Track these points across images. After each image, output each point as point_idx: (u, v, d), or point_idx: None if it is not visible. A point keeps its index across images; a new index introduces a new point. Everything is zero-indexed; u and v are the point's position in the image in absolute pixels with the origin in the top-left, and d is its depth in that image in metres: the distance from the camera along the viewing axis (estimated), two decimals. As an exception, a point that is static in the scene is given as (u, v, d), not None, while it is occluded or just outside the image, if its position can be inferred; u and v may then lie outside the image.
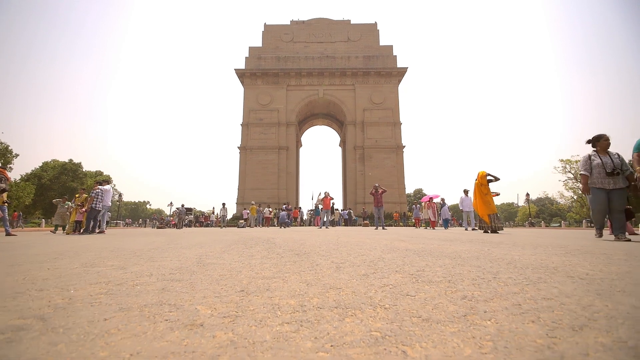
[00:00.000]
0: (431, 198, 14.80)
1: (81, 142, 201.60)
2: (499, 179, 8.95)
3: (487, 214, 8.41)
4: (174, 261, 1.76)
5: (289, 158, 44.54)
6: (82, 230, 10.70)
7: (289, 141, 44.65)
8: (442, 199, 15.71)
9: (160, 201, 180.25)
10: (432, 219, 14.10)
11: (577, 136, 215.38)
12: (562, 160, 47.13)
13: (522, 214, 69.54)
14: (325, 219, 15.68)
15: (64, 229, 11.58)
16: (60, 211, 12.66)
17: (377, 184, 13.94)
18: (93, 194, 10.80)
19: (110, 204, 11.84)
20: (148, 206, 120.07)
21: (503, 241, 3.05)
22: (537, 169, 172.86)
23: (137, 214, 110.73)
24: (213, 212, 22.48)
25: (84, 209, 11.09)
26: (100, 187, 11.33)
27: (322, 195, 18.82)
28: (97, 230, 10.93)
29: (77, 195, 12.33)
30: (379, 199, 13.38)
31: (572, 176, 46.49)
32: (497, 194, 9.86)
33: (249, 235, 5.19)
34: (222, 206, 22.92)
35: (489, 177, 8.82)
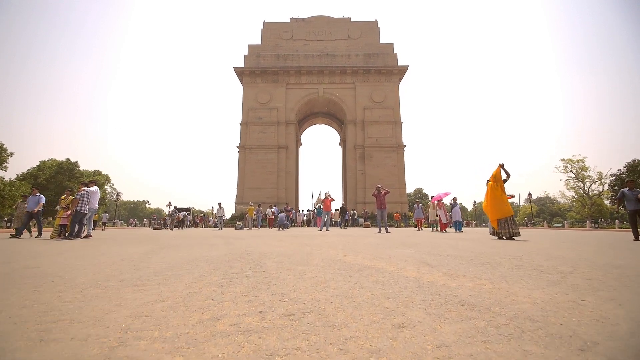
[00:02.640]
0: (441, 198, 13.81)
1: (81, 142, 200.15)
2: (510, 176, 7.98)
3: (498, 218, 7.57)
4: (73, 343, 1.00)
5: (288, 157, 43.74)
6: (67, 235, 9.96)
7: (288, 140, 43.86)
8: (454, 199, 14.72)
9: (160, 200, 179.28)
10: (443, 221, 13.24)
11: (578, 136, 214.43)
12: (563, 160, 46.35)
13: (523, 214, 68.82)
14: (325, 219, 14.93)
15: (17, 232, 10.44)
16: (20, 212, 11.34)
17: (379, 185, 13.16)
18: (78, 196, 10.01)
19: (97, 206, 11.01)
20: (147, 205, 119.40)
21: (564, 272, 2.25)
22: (537, 168, 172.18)
23: (136, 214, 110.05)
24: (213, 211, 21.38)
25: (69, 212, 10.31)
26: (86, 188, 10.51)
27: (323, 196, 18.07)
28: (82, 235, 10.19)
29: (62, 197, 11.55)
30: (381, 200, 12.58)
31: (573, 176, 45.74)
32: (512, 196, 9.04)
33: (240, 249, 4.40)
34: (218, 206, 21.88)
35: (504, 177, 7.87)
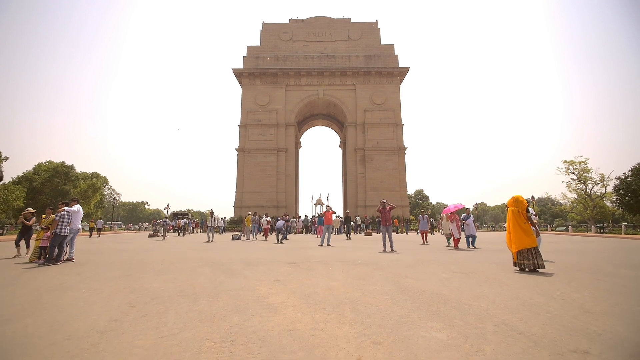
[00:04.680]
0: (452, 210, 12.67)
1: (80, 143, 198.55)
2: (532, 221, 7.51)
3: (520, 249, 6.85)
4: None
5: (288, 160, 42.91)
6: (46, 258, 9.12)
7: (288, 142, 43.03)
8: (468, 210, 13.62)
9: (159, 201, 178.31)
10: (456, 237, 12.26)
11: (579, 137, 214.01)
12: (565, 162, 45.48)
13: (526, 216, 67.91)
14: (327, 234, 14.05)
15: None
16: None
17: (384, 200, 12.20)
18: (58, 217, 9.13)
19: (80, 226, 10.12)
20: (146, 206, 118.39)
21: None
22: (539, 169, 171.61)
23: (135, 214, 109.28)
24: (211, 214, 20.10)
25: (48, 233, 9.47)
26: (66, 208, 9.64)
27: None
28: (63, 258, 9.34)
29: (43, 217, 10.67)
30: (386, 216, 11.66)
31: (575, 177, 44.89)
32: (536, 222, 8.25)
33: (224, 321, 3.50)
34: (210, 215, 19.69)
35: (529, 214, 7.28)
